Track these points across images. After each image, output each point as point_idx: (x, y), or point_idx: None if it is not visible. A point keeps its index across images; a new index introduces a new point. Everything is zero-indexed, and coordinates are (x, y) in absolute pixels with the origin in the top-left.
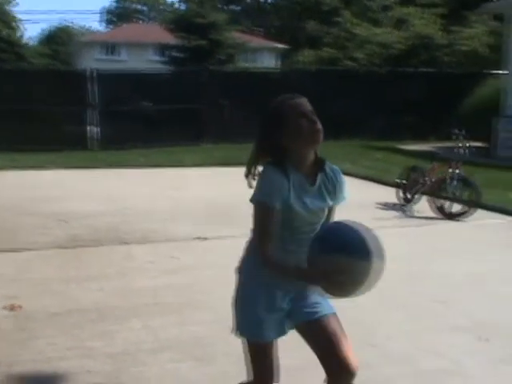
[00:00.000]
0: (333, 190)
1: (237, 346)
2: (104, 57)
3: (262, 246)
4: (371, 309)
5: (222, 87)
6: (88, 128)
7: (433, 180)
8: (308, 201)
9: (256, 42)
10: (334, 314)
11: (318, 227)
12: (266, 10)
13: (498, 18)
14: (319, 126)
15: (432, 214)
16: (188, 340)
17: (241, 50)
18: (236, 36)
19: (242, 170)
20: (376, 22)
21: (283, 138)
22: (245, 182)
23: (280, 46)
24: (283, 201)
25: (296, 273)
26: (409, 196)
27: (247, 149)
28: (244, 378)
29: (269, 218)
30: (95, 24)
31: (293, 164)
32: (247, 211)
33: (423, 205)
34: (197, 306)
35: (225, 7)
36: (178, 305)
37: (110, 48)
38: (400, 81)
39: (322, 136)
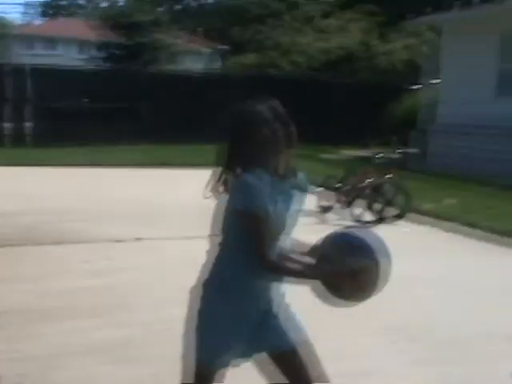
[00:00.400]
0: (300, 198)
1: (167, 348)
2: (40, 51)
3: (260, 253)
4: (300, 310)
5: (154, 88)
6: (4, 125)
7: (366, 185)
8: (284, 207)
9: (197, 43)
10: (303, 339)
11: (287, 237)
12: (206, 10)
13: (415, 34)
14: (281, 133)
15: (365, 218)
16: (118, 342)
17: (172, 50)
18: (169, 37)
19: (176, 171)
20: (316, 30)
21: (249, 147)
22: (175, 183)
23: (208, 49)
24: (267, 207)
25: (311, 270)
26: (343, 200)
27: (180, 150)
28: (175, 380)
29: (263, 224)
30: (17, 16)
31: (265, 171)
32: (176, 212)
33: (357, 209)
34: (127, 307)
35: (163, 7)
36: (107, 307)
37: (41, 42)
38: (327, 89)
39: (285, 144)
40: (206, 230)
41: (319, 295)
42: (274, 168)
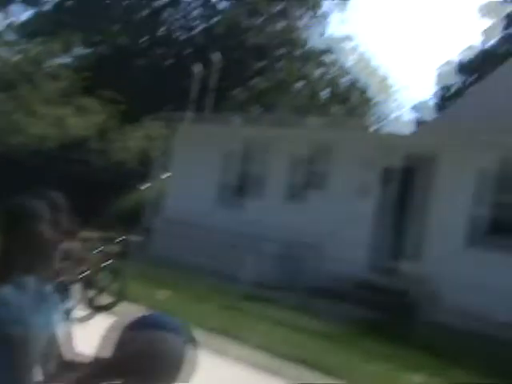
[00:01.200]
0: (63, 309)
1: None
2: None
3: (17, 379)
4: None
5: None
6: None
7: (81, 273)
8: (49, 321)
9: None
10: None
11: (52, 353)
12: None
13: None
14: (52, 232)
15: (77, 308)
16: None
17: None
18: None
19: None
20: (52, 111)
21: (13, 251)
22: None
23: None
24: (28, 325)
25: (99, 365)
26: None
27: None
28: None
29: (19, 346)
30: None
31: (30, 279)
32: None
33: (70, 300)
34: None
35: None
36: None
37: None
38: (55, 173)
39: (59, 241)
40: None
41: None
42: (41, 272)
